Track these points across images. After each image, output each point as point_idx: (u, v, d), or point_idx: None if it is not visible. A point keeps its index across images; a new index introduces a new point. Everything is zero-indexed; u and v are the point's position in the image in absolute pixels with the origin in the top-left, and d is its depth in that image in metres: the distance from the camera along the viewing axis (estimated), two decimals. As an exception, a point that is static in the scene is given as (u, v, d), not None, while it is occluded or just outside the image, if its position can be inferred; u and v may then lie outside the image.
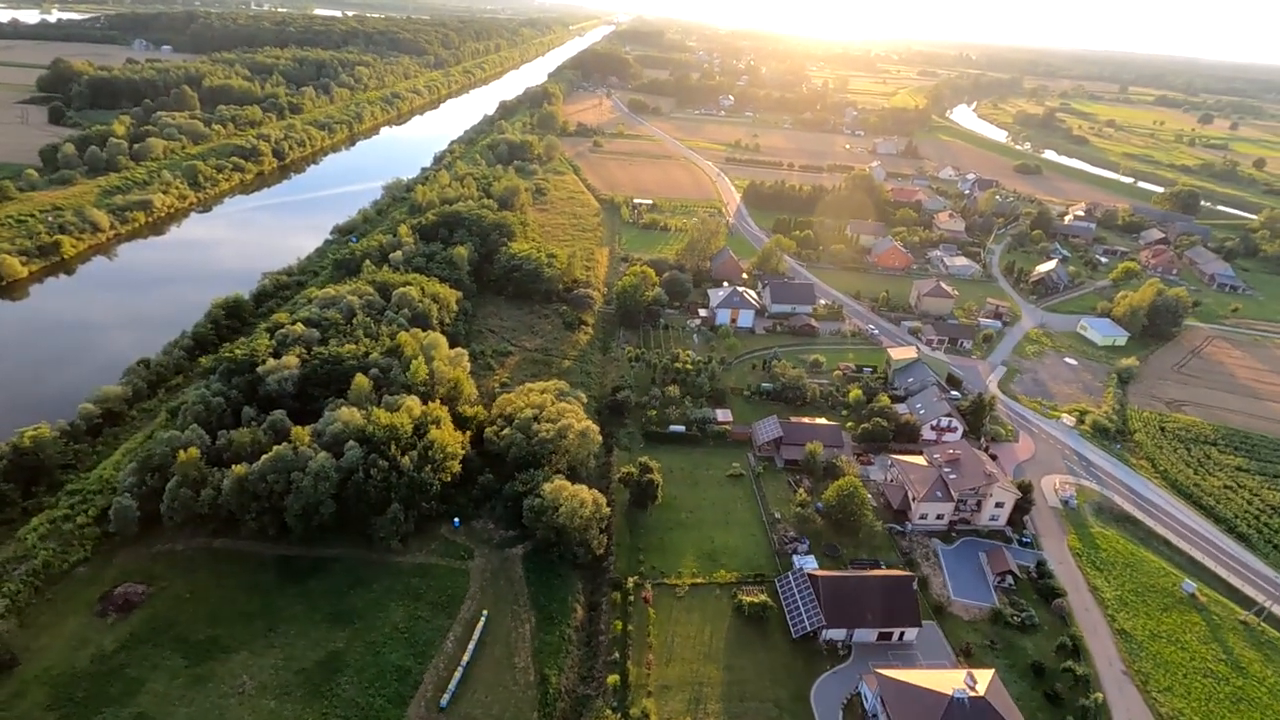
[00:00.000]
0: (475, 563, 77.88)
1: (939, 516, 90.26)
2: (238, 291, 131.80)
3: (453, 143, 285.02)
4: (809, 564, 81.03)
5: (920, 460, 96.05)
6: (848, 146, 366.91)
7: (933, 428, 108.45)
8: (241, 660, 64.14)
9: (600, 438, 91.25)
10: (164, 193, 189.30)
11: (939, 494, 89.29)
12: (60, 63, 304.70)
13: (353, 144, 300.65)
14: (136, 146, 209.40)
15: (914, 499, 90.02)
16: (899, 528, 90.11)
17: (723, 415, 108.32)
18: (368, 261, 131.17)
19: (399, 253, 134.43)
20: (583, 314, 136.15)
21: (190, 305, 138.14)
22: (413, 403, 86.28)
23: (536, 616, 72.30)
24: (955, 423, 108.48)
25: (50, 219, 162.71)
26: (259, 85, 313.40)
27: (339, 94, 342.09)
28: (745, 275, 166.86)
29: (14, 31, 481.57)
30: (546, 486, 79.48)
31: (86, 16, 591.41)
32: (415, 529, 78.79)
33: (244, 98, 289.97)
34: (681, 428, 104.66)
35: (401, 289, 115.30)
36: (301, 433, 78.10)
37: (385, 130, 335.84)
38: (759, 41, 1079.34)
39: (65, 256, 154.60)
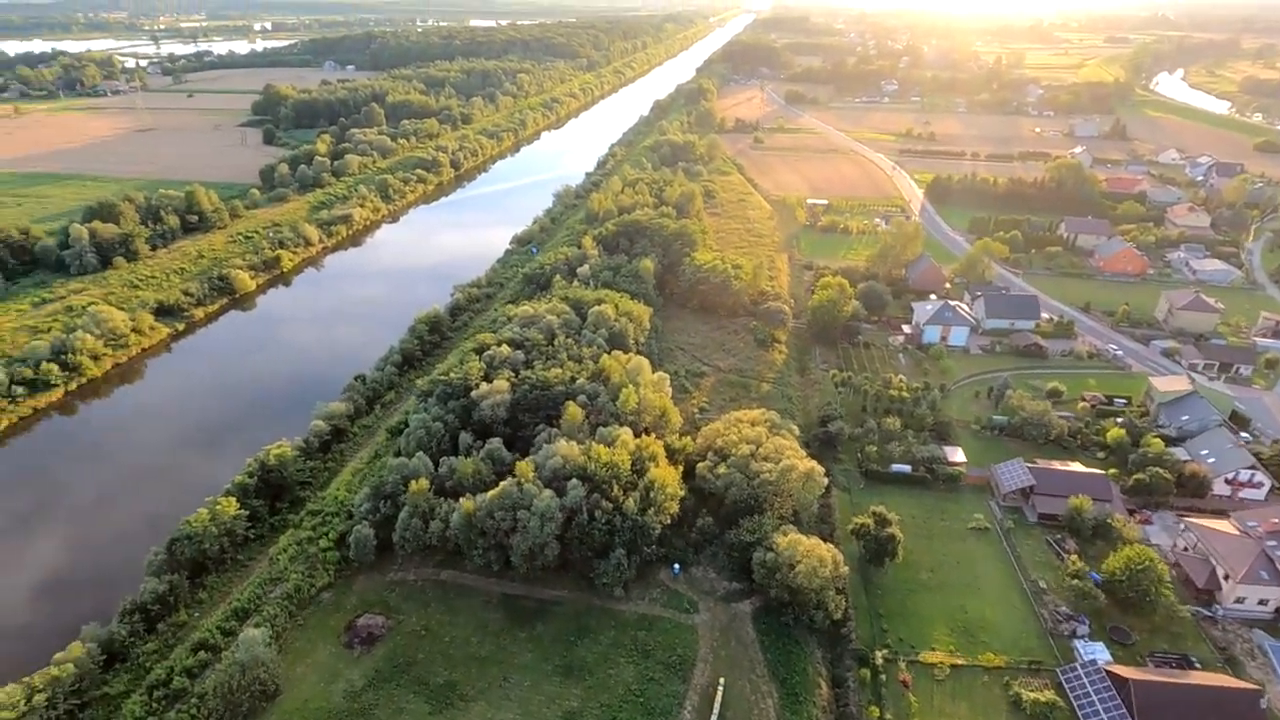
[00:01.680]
0: (701, 617, 71.80)
1: (1263, 602, 72.51)
2: (435, 306, 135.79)
3: (613, 145, 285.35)
4: (1097, 653, 67.38)
5: (1226, 526, 78.18)
6: (1038, 130, 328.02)
7: (1227, 481, 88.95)
8: (480, 711, 62.00)
9: (825, 480, 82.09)
10: (361, 206, 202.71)
11: (1264, 574, 71.61)
12: (270, 88, 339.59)
13: (517, 150, 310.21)
14: (336, 163, 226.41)
15: (1228, 577, 72.90)
16: (1206, 612, 73.43)
17: (953, 454, 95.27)
18: (557, 277, 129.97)
19: (586, 267, 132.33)
20: (775, 330, 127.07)
21: (392, 318, 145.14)
22: (626, 436, 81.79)
23: (778, 690, 64.79)
24: (1260, 476, 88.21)
25: (271, 234, 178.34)
26: (434, 98, 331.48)
27: (503, 102, 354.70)
28: (948, 285, 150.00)
29: (231, 61, 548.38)
30: (780, 540, 71.74)
31: (285, 44, 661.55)
32: (636, 575, 74.06)
33: (422, 111, 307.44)
34: (906, 468, 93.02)
35: (596, 307, 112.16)
36: (525, 468, 75.60)
37: (545, 135, 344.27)
38: (911, 20, 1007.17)
39: (284, 270, 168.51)
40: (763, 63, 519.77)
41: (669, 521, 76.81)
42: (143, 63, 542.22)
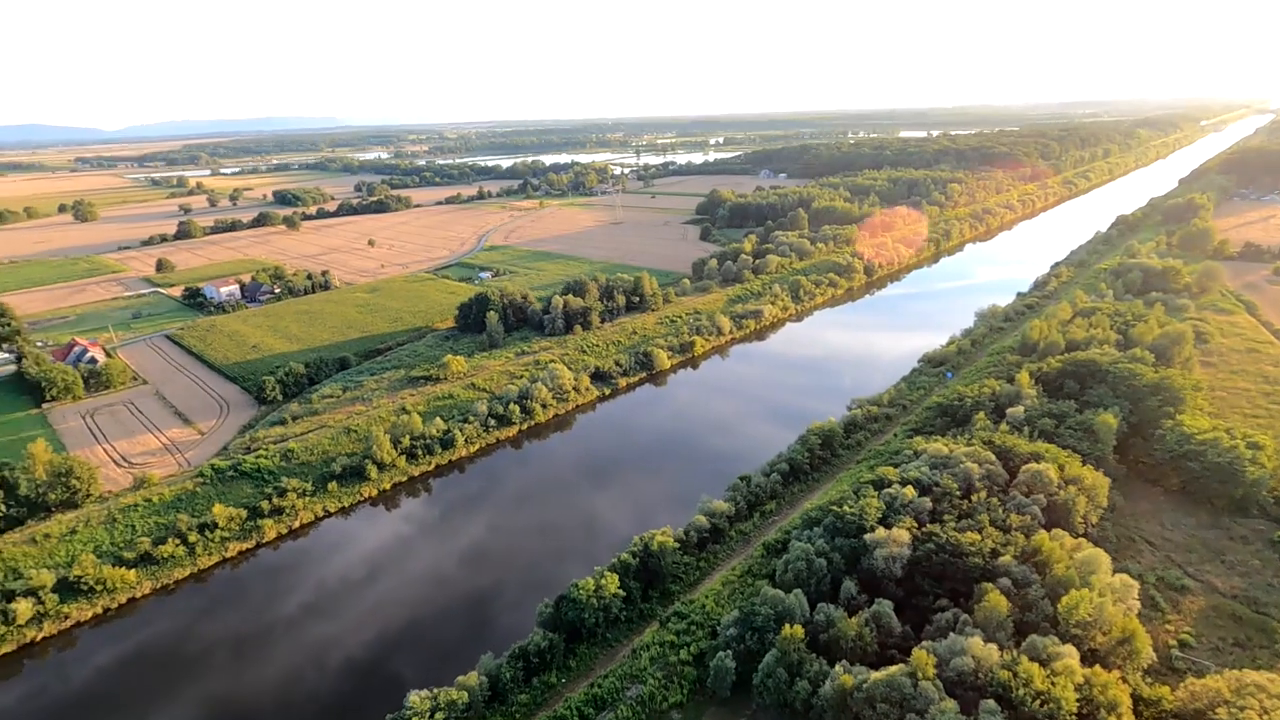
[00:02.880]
0: None
1: None
2: (830, 419, 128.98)
3: (1057, 265, 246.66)
4: None
5: None
6: None
7: None
8: None
9: None
10: (772, 304, 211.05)
11: None
12: (714, 192, 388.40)
13: (937, 260, 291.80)
14: (757, 261, 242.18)
15: None
16: None
17: None
18: (980, 415, 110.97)
19: (1019, 409, 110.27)
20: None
21: (783, 416, 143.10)
22: (1071, 660, 60.67)
23: None
24: None
25: (691, 321, 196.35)
26: (857, 205, 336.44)
27: (929, 211, 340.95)
28: None
29: (687, 169, 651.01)
30: None
31: (731, 155, 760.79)
32: None
33: (844, 217, 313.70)
34: None
35: (1032, 464, 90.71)
36: (923, 659, 61.11)
37: (970, 247, 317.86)
38: None
39: (696, 354, 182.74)
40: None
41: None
42: (625, 170, 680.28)
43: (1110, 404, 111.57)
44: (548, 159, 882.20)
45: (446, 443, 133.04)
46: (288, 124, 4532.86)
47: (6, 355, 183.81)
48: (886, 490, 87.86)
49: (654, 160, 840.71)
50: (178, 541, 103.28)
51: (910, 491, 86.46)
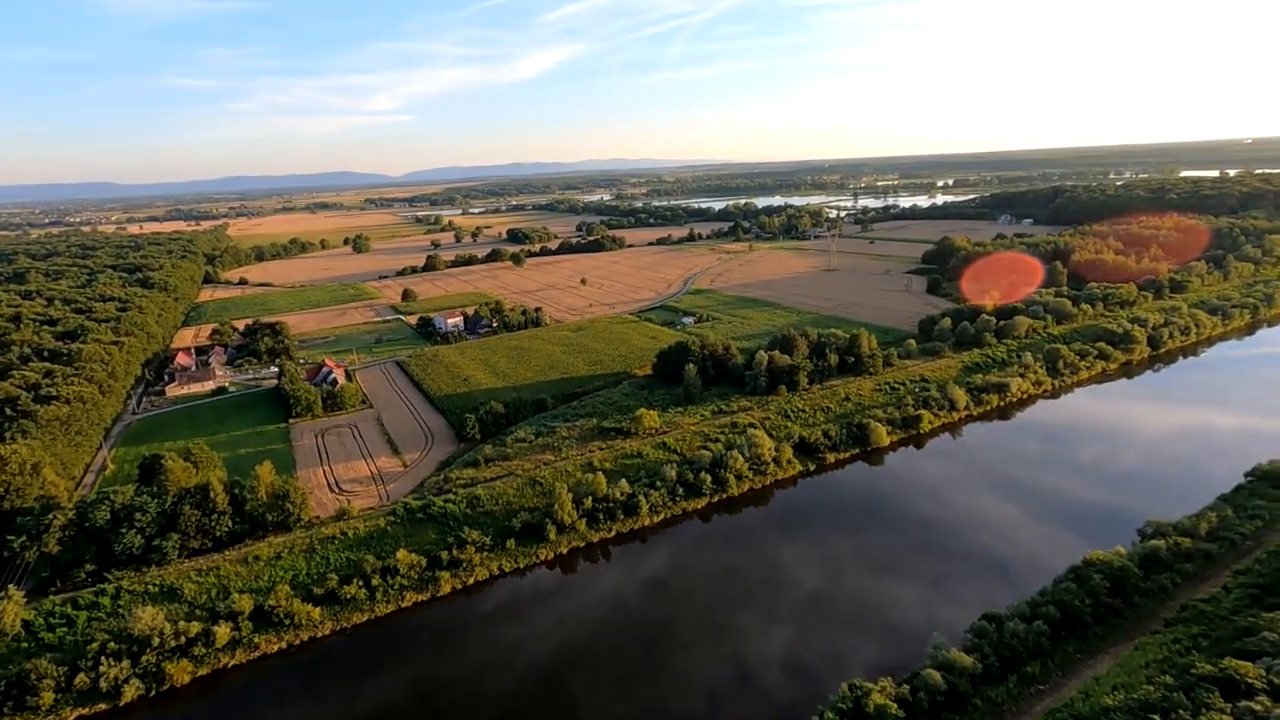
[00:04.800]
0: None
1: None
2: (1118, 548, 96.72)
3: None
4: None
5: None
6: None
7: None
8: None
9: None
10: (1021, 376, 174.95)
11: None
12: (945, 239, 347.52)
13: (1252, 332, 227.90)
14: (1002, 323, 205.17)
15: None
16: None
17: None
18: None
19: None
20: None
21: (1038, 527, 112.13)
22: None
23: None
24: None
25: (917, 390, 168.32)
26: (1133, 259, 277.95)
27: (1238, 268, 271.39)
28: None
29: (911, 213, 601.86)
30: None
31: (964, 198, 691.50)
32: None
33: (1115, 273, 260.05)
34: None
35: None
36: None
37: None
38: None
39: (921, 431, 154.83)
40: None
41: None
42: (842, 214, 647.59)
43: None
44: (760, 201, 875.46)
45: (630, 509, 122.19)
46: (528, 170, 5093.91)
47: (272, 370, 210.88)
48: (1246, 704, 58.22)
49: (873, 203, 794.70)
50: (361, 583, 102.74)
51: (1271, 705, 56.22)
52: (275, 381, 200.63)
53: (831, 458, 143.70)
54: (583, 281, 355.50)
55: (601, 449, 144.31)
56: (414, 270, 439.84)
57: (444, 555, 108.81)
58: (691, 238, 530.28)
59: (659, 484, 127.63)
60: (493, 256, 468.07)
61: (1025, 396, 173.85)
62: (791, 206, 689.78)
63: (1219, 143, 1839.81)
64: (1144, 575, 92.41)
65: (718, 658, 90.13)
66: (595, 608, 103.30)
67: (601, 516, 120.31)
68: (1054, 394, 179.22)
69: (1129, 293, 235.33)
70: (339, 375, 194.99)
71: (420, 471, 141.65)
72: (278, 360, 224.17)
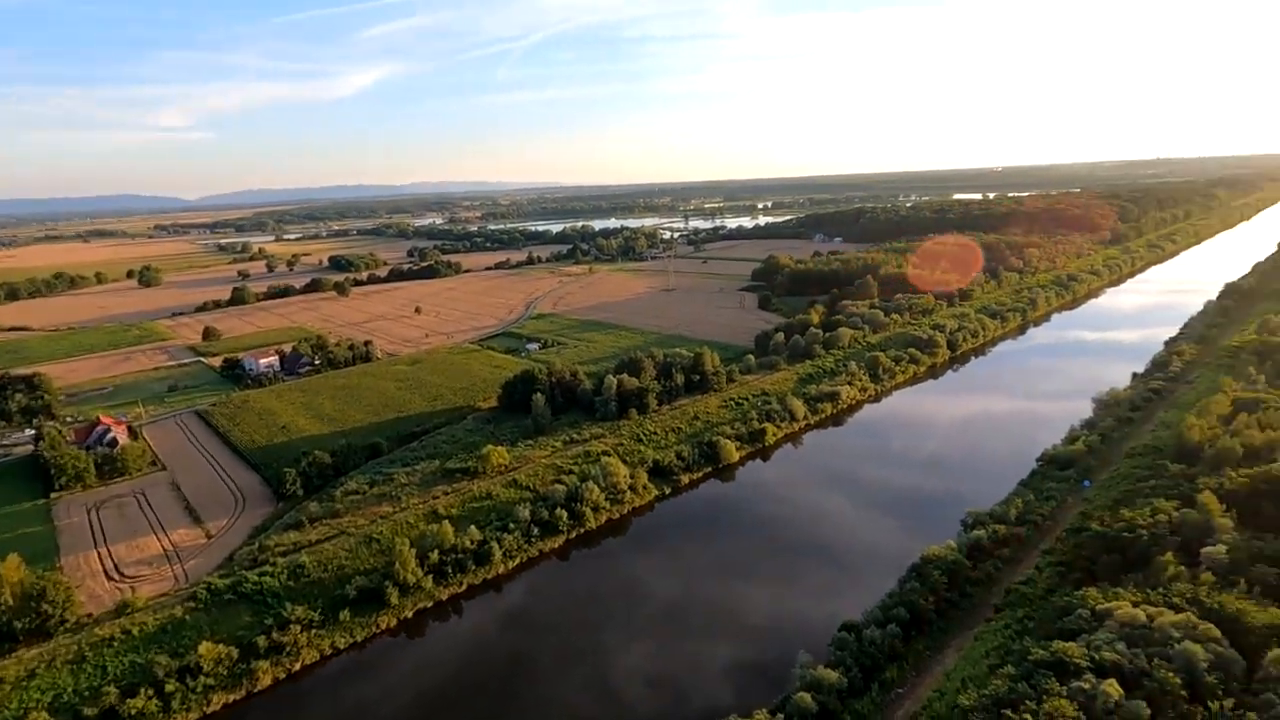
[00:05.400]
0: None
1: None
2: (950, 543, 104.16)
3: (1174, 341, 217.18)
4: None
5: None
6: None
7: None
8: None
9: None
10: (849, 384, 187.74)
11: None
12: (771, 258, 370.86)
13: (1024, 332, 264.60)
14: (828, 335, 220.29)
15: None
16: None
17: None
18: (1168, 555, 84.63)
19: (1218, 547, 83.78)
20: None
21: (881, 532, 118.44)
22: None
23: None
24: None
25: (760, 404, 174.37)
26: (928, 271, 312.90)
27: (1007, 278, 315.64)
28: None
29: (738, 233, 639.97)
30: None
31: (783, 219, 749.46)
32: None
33: (914, 285, 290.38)
34: None
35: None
36: None
37: (1056, 317, 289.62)
38: None
39: (767, 444, 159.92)
40: None
41: None
42: (675, 235, 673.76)
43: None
44: (597, 223, 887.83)
45: (482, 557, 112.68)
46: (352, 192, 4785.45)
47: (27, 435, 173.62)
48: (1077, 683, 62.86)
49: (703, 224, 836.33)
50: (151, 692, 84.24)
51: (1115, 690, 61.36)
52: (31, 448, 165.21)
53: (686, 479, 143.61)
54: (417, 310, 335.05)
55: (447, 493, 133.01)
56: (218, 305, 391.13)
57: (261, 641, 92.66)
58: (531, 261, 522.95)
59: (512, 526, 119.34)
60: (313, 286, 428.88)
61: (854, 402, 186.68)
62: (628, 228, 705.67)
63: (978, 170, 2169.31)
64: (972, 565, 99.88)
65: (587, 699, 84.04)
66: (448, 672, 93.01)
67: (451, 570, 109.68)
68: (877, 398, 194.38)
69: (929, 302, 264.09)
70: (120, 434, 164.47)
71: (229, 541, 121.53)
72: (35, 421, 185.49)
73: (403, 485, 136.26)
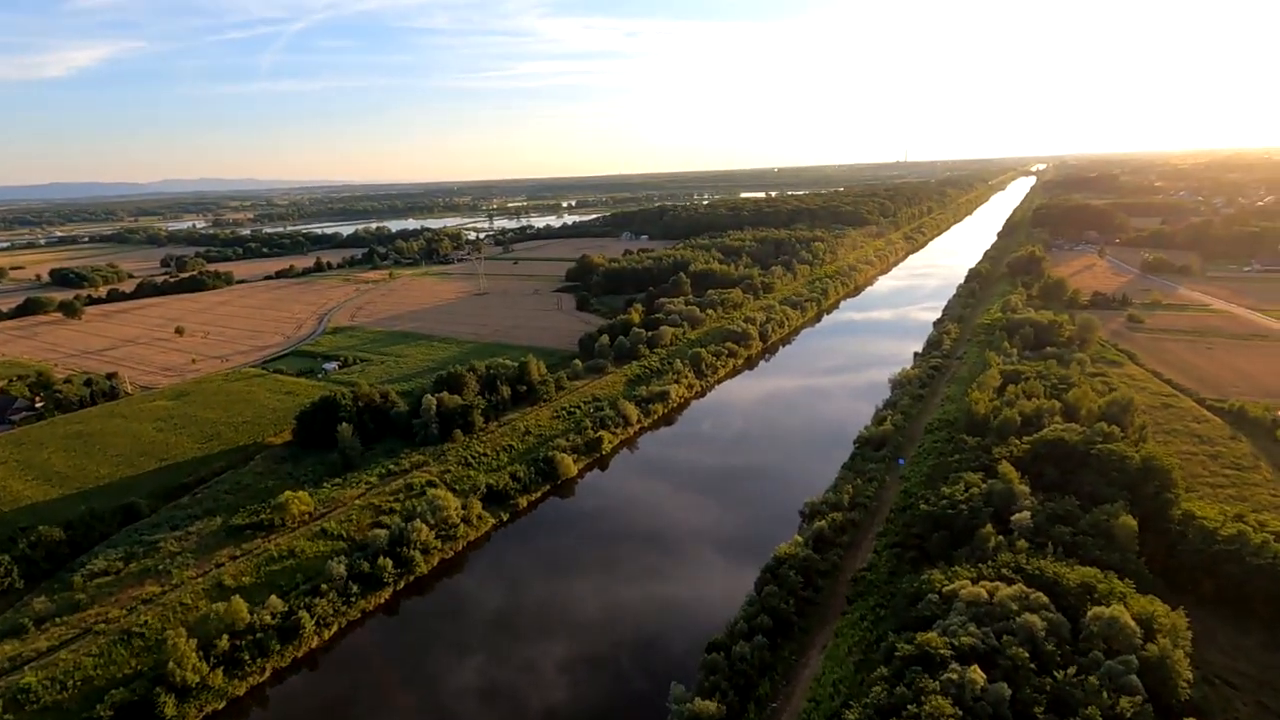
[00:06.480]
0: None
1: None
2: (797, 538, 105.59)
3: (941, 322, 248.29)
4: None
5: None
6: None
7: None
8: None
9: None
10: (676, 383, 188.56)
11: None
12: (585, 258, 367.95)
13: (819, 320, 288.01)
14: (650, 334, 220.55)
15: None
16: None
17: None
18: (989, 529, 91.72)
19: (1024, 514, 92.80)
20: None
21: (728, 532, 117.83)
22: None
23: None
24: None
25: (592, 411, 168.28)
26: (733, 267, 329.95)
27: (800, 270, 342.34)
28: None
29: (546, 233, 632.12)
30: None
31: (589, 218, 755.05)
32: None
33: (723, 280, 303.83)
34: None
35: (1098, 609, 71.32)
36: None
37: (844, 304, 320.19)
38: (1243, 165, 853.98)
39: (604, 452, 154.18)
40: (1088, 226, 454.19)
41: None
42: (482, 235, 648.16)
43: (1109, 496, 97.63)
44: (394, 224, 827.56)
45: (289, 632, 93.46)
46: (81, 190, 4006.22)
47: None
48: (945, 674, 63.92)
49: (508, 224, 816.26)
50: None
51: (978, 676, 63.19)
52: None
53: (524, 501, 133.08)
54: (179, 331, 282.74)
55: (235, 557, 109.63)
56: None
57: (-37, 813, 67.27)
58: (320, 268, 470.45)
59: (325, 587, 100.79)
60: (29, 308, 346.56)
61: (683, 400, 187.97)
62: (429, 229, 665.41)
63: (759, 170, 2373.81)
64: (820, 558, 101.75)
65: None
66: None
67: (248, 655, 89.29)
68: (703, 394, 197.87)
69: (738, 297, 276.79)
70: None
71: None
72: None
73: (172, 555, 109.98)
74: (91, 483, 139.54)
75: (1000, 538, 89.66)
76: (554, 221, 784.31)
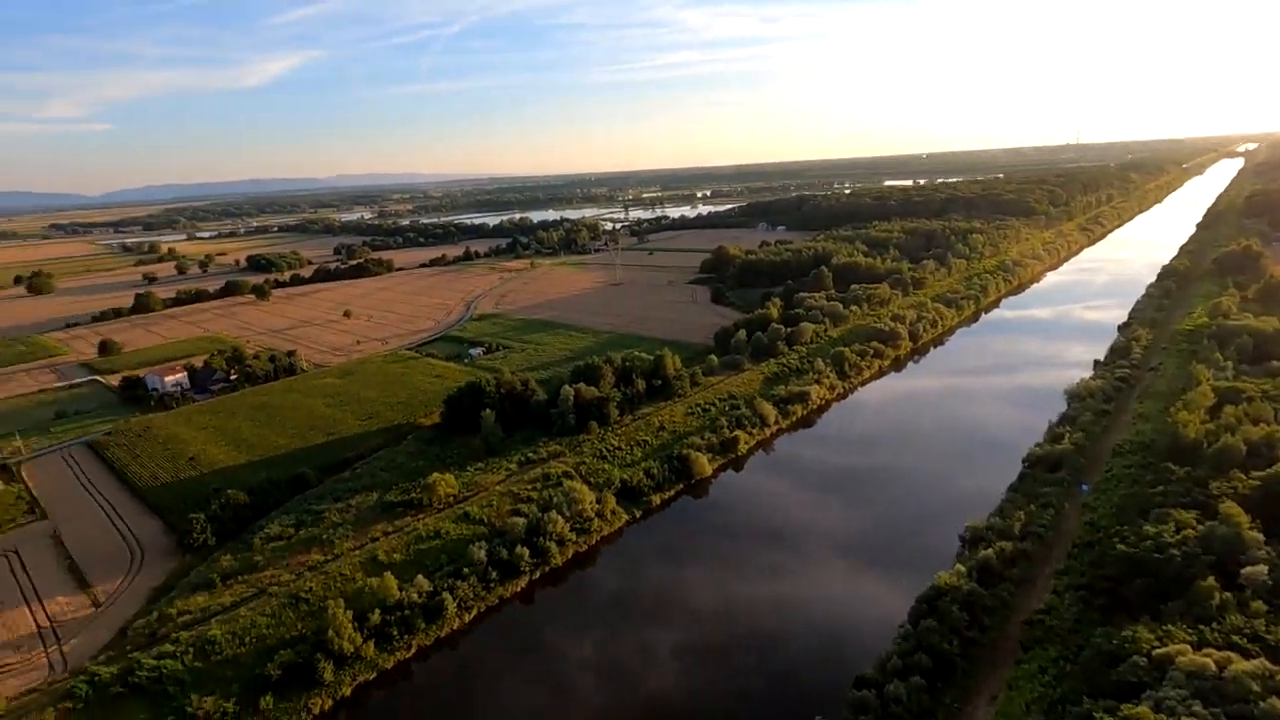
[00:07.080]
0: None
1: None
2: (959, 568, 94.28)
3: (1129, 325, 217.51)
4: None
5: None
6: None
7: None
8: None
9: None
10: (817, 383, 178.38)
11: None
12: (721, 249, 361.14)
13: (977, 318, 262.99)
14: (790, 330, 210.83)
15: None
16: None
17: None
18: (1209, 580, 76.50)
19: (1259, 567, 76.62)
20: None
21: (882, 546, 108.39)
22: None
23: None
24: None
25: (728, 409, 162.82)
26: (879, 260, 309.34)
27: (955, 265, 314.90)
28: None
29: (681, 223, 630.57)
30: None
31: (725, 208, 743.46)
32: None
33: (868, 275, 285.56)
34: None
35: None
36: None
37: (1005, 302, 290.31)
38: None
39: (739, 453, 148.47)
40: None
41: None
42: (617, 226, 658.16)
43: (1380, 554, 78.43)
44: (534, 215, 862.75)
45: (433, 612, 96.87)
46: (272, 186, 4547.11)
47: None
48: (1160, 769, 52.97)
49: (643, 214, 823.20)
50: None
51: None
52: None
53: (657, 499, 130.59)
54: (346, 314, 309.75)
55: (388, 533, 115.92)
56: (118, 313, 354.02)
57: (158, 750, 74.92)
58: (468, 256, 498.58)
59: (467, 571, 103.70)
60: (229, 290, 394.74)
61: (824, 402, 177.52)
62: (568, 220, 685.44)
63: (907, 156, 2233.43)
64: (987, 593, 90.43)
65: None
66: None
67: (396, 631, 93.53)
68: (845, 395, 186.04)
69: (885, 293, 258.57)
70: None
71: (122, 610, 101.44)
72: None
73: (335, 525, 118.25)
74: (271, 451, 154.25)
75: (1226, 594, 74.52)
76: (688, 211, 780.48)
